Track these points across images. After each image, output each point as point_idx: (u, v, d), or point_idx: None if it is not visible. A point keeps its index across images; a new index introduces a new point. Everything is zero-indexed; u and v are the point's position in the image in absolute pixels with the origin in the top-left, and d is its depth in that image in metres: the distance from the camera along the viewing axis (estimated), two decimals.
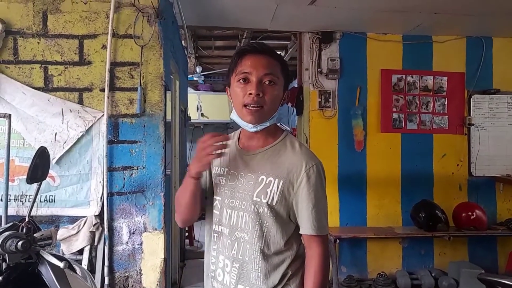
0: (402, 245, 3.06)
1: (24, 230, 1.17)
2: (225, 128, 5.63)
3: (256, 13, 2.67)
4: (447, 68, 3.09)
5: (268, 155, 1.00)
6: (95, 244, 1.95)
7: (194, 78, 4.97)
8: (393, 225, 3.01)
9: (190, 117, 4.10)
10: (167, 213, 2.12)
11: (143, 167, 2.00)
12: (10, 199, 1.90)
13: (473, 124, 3.10)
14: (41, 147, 1.32)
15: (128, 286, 1.99)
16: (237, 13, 2.67)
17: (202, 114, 5.34)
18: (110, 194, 1.98)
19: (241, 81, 0.96)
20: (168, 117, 2.40)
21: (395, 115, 3.05)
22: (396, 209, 3.06)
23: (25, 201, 1.95)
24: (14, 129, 1.92)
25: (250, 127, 0.97)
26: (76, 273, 1.30)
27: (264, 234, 0.97)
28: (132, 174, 2.00)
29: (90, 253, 1.93)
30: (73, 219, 1.96)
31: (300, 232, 0.99)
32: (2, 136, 1.93)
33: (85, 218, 1.94)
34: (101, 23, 2.00)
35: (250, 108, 0.95)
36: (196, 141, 5.51)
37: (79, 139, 1.97)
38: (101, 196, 1.96)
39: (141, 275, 1.99)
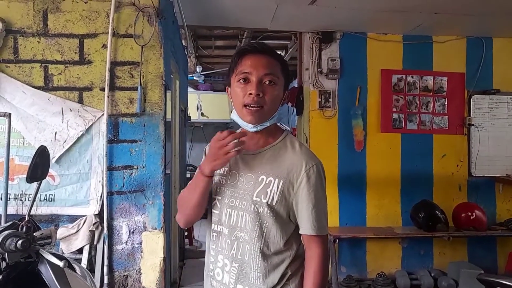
0: (402, 245, 3.06)
1: (24, 229, 1.17)
2: (225, 128, 5.63)
3: (256, 13, 2.67)
4: (447, 68, 3.09)
5: (268, 155, 1.00)
6: (95, 243, 1.95)
7: (194, 78, 4.97)
8: (392, 225, 3.01)
9: (190, 116, 4.10)
10: (166, 212, 2.12)
11: (143, 167, 2.01)
12: (9, 198, 1.90)
13: (473, 125, 3.10)
14: (41, 146, 1.32)
15: (128, 285, 1.99)
16: (237, 13, 2.67)
17: (202, 114, 5.34)
18: (110, 193, 1.98)
19: (241, 81, 0.96)
20: (168, 116, 2.40)
21: (395, 115, 3.05)
22: (395, 209, 3.06)
23: (25, 200, 1.95)
24: (14, 128, 1.93)
25: (250, 127, 0.97)
26: (76, 272, 1.30)
27: (264, 234, 0.97)
28: (132, 173, 2.00)
29: (90, 252, 1.93)
30: (72, 218, 1.96)
31: (300, 232, 0.99)
32: (2, 135, 1.93)
33: (84, 217, 1.94)
34: (102, 22, 2.00)
35: (250, 108, 0.95)
36: (196, 140, 5.49)
37: (79, 138, 1.97)
38: (101, 195, 1.96)
39: (140, 275, 1.99)
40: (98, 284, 1.90)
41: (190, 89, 4.96)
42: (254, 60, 0.95)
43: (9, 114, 1.81)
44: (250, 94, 0.94)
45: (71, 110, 1.97)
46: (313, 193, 0.95)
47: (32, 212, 1.65)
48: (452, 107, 3.09)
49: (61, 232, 1.89)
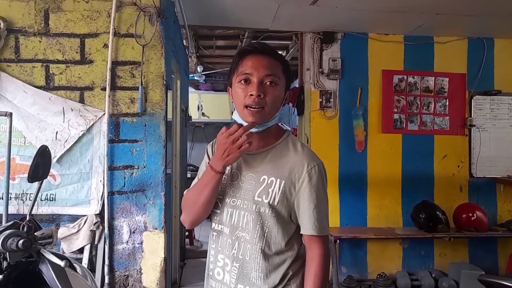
0: (402, 246, 3.06)
1: (25, 229, 1.17)
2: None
3: (257, 13, 2.67)
4: (449, 69, 3.08)
5: (270, 155, 0.99)
6: (96, 243, 1.95)
7: (195, 78, 4.97)
8: (393, 225, 3.01)
9: (191, 116, 4.10)
10: (167, 212, 2.12)
11: (144, 166, 2.01)
12: (11, 198, 1.90)
13: (474, 125, 3.10)
14: (43, 145, 1.32)
15: (128, 285, 1.99)
16: (239, 13, 2.67)
17: (203, 114, 5.34)
18: (111, 193, 1.98)
19: (242, 81, 0.96)
20: (169, 116, 2.41)
21: (396, 116, 3.05)
22: (396, 209, 3.05)
23: (26, 200, 1.95)
24: (15, 127, 1.93)
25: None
26: (77, 272, 1.30)
27: (265, 234, 0.97)
28: (132, 173, 2.00)
29: (91, 252, 1.94)
30: (73, 218, 1.96)
31: (301, 232, 0.99)
32: (3, 135, 1.93)
33: (85, 217, 1.94)
34: (103, 22, 2.01)
35: (251, 109, 0.94)
36: (197, 140, 5.48)
37: (80, 138, 1.97)
38: (102, 195, 1.96)
39: (141, 274, 1.99)
40: (98, 284, 1.90)
41: (191, 89, 4.96)
42: (255, 61, 0.95)
43: (10, 114, 1.82)
44: (251, 95, 0.94)
45: (72, 110, 1.97)
46: (314, 193, 0.95)
47: (33, 212, 1.66)
48: (453, 108, 3.09)
49: (62, 231, 1.90)
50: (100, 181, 1.97)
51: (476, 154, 3.11)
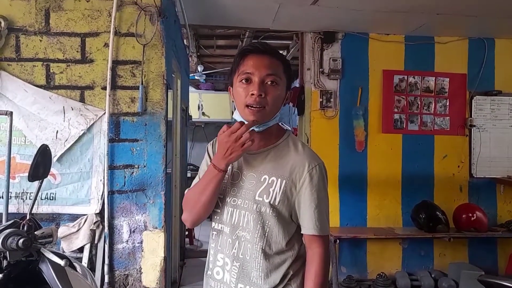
0: (402, 246, 3.06)
1: (25, 228, 1.17)
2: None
3: (258, 13, 2.67)
4: (449, 69, 3.08)
5: (270, 155, 1.00)
6: (96, 242, 1.95)
7: (196, 77, 4.97)
8: (393, 225, 3.01)
9: (191, 116, 4.10)
10: (167, 211, 2.12)
11: (144, 166, 2.01)
12: (11, 197, 1.90)
13: (474, 126, 3.10)
14: (43, 145, 1.32)
15: (128, 284, 1.99)
16: (239, 13, 2.67)
17: (203, 113, 5.34)
18: (111, 193, 1.98)
19: (243, 81, 0.96)
20: (170, 116, 2.41)
21: (396, 116, 3.05)
22: (396, 209, 3.05)
23: (26, 199, 1.95)
24: (16, 126, 1.93)
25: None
26: (77, 271, 1.30)
27: (266, 233, 0.97)
28: (133, 172, 2.00)
29: (91, 251, 1.94)
30: (73, 217, 1.96)
31: (302, 232, 0.99)
32: (3, 134, 1.93)
33: (85, 216, 1.95)
34: (103, 21, 2.00)
35: (252, 108, 0.94)
36: (197, 140, 5.48)
37: (80, 137, 1.97)
38: (102, 194, 1.96)
39: (141, 274, 1.99)
40: (98, 283, 1.90)
41: (191, 89, 4.96)
42: (256, 61, 0.95)
43: (11, 113, 1.82)
44: (252, 94, 0.94)
45: (72, 109, 1.97)
46: (315, 193, 0.95)
47: (33, 211, 1.65)
48: (454, 108, 3.09)
49: (62, 231, 1.90)
50: (100, 180, 1.97)
51: (476, 155, 3.11)
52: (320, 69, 3.00)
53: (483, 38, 3.08)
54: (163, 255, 2.00)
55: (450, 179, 3.09)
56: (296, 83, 3.33)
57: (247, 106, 0.95)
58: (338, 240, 2.73)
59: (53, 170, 1.90)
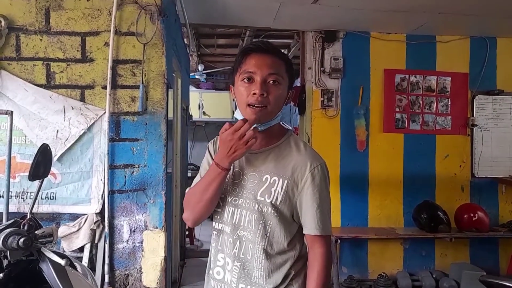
0: (404, 246, 3.05)
1: (26, 227, 1.17)
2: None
3: (259, 12, 2.66)
4: (451, 68, 3.07)
5: (272, 154, 0.99)
6: (96, 242, 1.94)
7: (196, 76, 4.96)
8: (394, 225, 3.00)
9: (191, 115, 4.10)
10: (168, 211, 2.12)
11: (145, 165, 2.00)
12: (11, 196, 1.90)
13: (476, 125, 3.08)
14: (44, 144, 1.32)
15: (128, 284, 1.99)
16: (240, 12, 2.66)
17: (204, 113, 5.34)
18: (111, 192, 1.98)
19: (245, 80, 0.95)
20: (170, 115, 2.40)
21: (398, 115, 3.04)
22: (397, 209, 3.05)
23: (26, 198, 1.95)
24: (16, 126, 1.92)
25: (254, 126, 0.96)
26: (77, 270, 1.29)
27: (268, 233, 0.96)
28: (133, 172, 2.00)
29: (91, 251, 1.93)
30: (74, 217, 1.96)
31: (304, 232, 0.98)
32: (4, 133, 1.92)
33: (86, 216, 1.94)
34: (104, 20, 2.00)
35: (254, 107, 0.94)
36: (197, 139, 5.47)
37: (80, 137, 1.97)
38: (102, 194, 1.96)
39: (141, 273, 1.99)
40: (99, 283, 1.90)
41: (191, 88, 4.96)
42: (258, 60, 0.95)
43: (11, 112, 1.81)
44: (254, 94, 0.93)
45: (73, 108, 1.97)
46: (317, 193, 0.95)
47: (34, 210, 1.65)
48: (455, 108, 3.08)
49: (62, 230, 1.89)
50: (101, 180, 1.96)
51: (478, 154, 3.10)
52: (321, 68, 2.99)
53: (485, 37, 3.07)
54: (163, 255, 1.99)
55: (451, 179, 3.08)
56: (297, 82, 3.32)
57: (249, 105, 0.94)
58: (339, 240, 2.72)
59: (53, 169, 1.90)
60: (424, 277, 2.86)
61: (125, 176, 2.00)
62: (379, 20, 2.79)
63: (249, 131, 0.89)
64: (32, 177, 1.27)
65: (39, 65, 1.99)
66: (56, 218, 1.97)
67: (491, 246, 3.08)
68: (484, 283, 1.66)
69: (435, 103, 3.07)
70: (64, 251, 1.88)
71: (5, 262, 1.11)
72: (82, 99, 2.00)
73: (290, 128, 1.10)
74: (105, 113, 1.97)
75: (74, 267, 1.28)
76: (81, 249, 1.92)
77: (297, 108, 3.27)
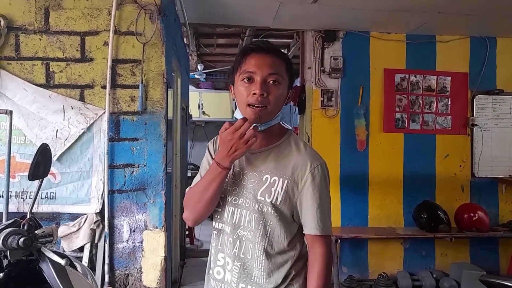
0: (404, 246, 3.05)
1: (26, 227, 1.17)
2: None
3: (258, 11, 2.66)
4: (451, 68, 3.07)
5: (272, 154, 0.99)
6: (96, 241, 1.94)
7: (196, 76, 4.96)
8: (394, 225, 3.00)
9: (191, 115, 4.10)
10: (168, 211, 2.12)
11: (144, 165, 2.00)
12: (11, 196, 1.89)
13: (476, 125, 3.08)
14: (43, 144, 1.31)
15: (129, 284, 1.99)
16: (240, 11, 2.66)
17: (204, 112, 5.33)
18: (111, 192, 1.98)
19: (245, 80, 0.95)
20: (170, 115, 2.40)
21: (398, 115, 3.04)
22: (398, 209, 3.04)
23: (26, 198, 1.95)
24: (16, 125, 1.92)
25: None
26: (77, 270, 1.29)
27: (268, 233, 0.96)
28: (133, 171, 2.00)
29: (91, 251, 1.93)
30: (73, 217, 1.95)
31: (304, 232, 0.98)
32: (3, 133, 1.92)
33: (85, 216, 1.94)
34: (103, 20, 2.00)
35: (254, 107, 0.94)
36: (197, 139, 5.46)
37: (80, 136, 1.97)
38: (102, 194, 1.96)
39: (141, 273, 1.99)
40: (99, 283, 1.90)
41: (191, 88, 4.95)
42: (258, 60, 0.94)
43: (11, 112, 1.81)
44: (254, 94, 0.93)
45: (72, 108, 1.96)
46: (318, 193, 0.95)
47: (33, 210, 1.64)
48: (455, 107, 3.08)
49: (62, 230, 1.89)
50: (100, 179, 1.96)
51: (478, 154, 3.09)
52: (321, 68, 2.99)
53: (484, 37, 3.06)
54: (163, 255, 1.99)
55: (451, 179, 3.07)
56: (297, 82, 3.32)
57: (249, 105, 0.94)
58: (339, 240, 2.72)
59: (53, 169, 1.90)
60: (424, 277, 2.86)
61: (125, 176, 1.99)
62: (379, 20, 2.79)
63: (249, 130, 0.89)
64: (32, 176, 1.26)
65: (38, 64, 1.98)
66: (56, 218, 1.97)
67: (491, 246, 3.08)
68: (484, 283, 1.66)
69: (435, 103, 3.07)
70: (64, 251, 1.88)
71: (5, 262, 1.11)
72: (82, 98, 1.99)
73: (290, 128, 1.09)
74: (104, 112, 1.97)
75: (74, 267, 1.28)
76: (81, 249, 1.92)
77: (297, 107, 3.27)
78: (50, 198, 1.96)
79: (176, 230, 2.85)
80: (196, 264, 3.34)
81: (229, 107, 5.27)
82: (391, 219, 3.02)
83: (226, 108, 5.27)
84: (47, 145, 1.32)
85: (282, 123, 1.06)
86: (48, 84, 1.99)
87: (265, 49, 0.96)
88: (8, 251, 1.09)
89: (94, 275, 1.73)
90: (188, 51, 3.71)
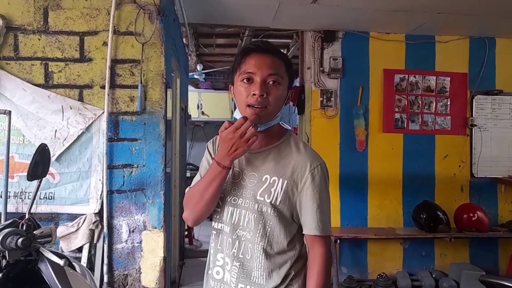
0: (403, 246, 3.05)
1: (24, 227, 1.17)
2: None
3: (258, 11, 2.66)
4: (450, 68, 3.07)
5: (272, 154, 0.99)
6: (95, 242, 1.94)
7: (195, 76, 4.96)
8: (394, 225, 3.00)
9: (190, 115, 4.09)
10: (167, 211, 2.11)
11: (143, 165, 2.00)
12: (9, 196, 1.89)
13: (475, 125, 3.09)
14: (42, 144, 1.31)
15: (127, 284, 1.98)
16: (239, 11, 2.66)
17: (203, 112, 5.33)
18: (110, 192, 1.97)
19: (245, 80, 0.95)
20: (169, 115, 2.39)
21: (397, 115, 3.04)
22: (397, 209, 3.04)
23: (25, 198, 1.94)
24: (14, 125, 1.92)
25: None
26: (76, 270, 1.29)
27: (267, 233, 0.96)
28: (132, 172, 1.99)
29: (90, 251, 1.93)
30: (72, 217, 1.95)
31: (304, 232, 0.98)
32: (2, 133, 1.92)
33: (84, 216, 1.93)
34: (102, 20, 1.99)
35: (253, 108, 0.93)
36: (196, 139, 5.44)
37: (79, 137, 1.96)
38: (101, 194, 1.95)
39: (140, 274, 1.98)
40: (98, 283, 1.89)
41: (190, 88, 4.95)
42: (258, 60, 0.94)
43: (9, 112, 1.81)
44: (254, 94, 0.93)
45: (71, 108, 1.96)
46: (317, 193, 0.95)
47: (32, 210, 1.64)
48: (455, 108, 3.08)
49: (61, 230, 1.89)
50: (99, 179, 1.96)
51: (477, 154, 3.10)
52: (321, 68, 2.99)
53: (484, 37, 3.07)
54: (162, 255, 1.99)
55: (451, 179, 3.08)
56: (296, 82, 3.32)
57: (249, 105, 0.94)
58: (338, 240, 2.72)
59: (51, 169, 1.89)
60: (424, 277, 2.86)
61: (124, 176, 1.99)
62: (379, 20, 2.79)
63: (250, 128, 0.89)
64: (31, 177, 1.26)
65: (37, 64, 1.98)
66: (54, 218, 1.96)
67: (490, 246, 3.08)
68: (483, 283, 1.66)
69: (434, 103, 3.07)
70: (62, 251, 1.87)
71: (4, 262, 1.11)
72: (81, 98, 1.99)
73: (289, 128, 1.09)
74: (103, 112, 1.97)
75: (73, 267, 1.28)
76: (79, 249, 1.91)
77: (296, 108, 3.27)
78: (48, 198, 1.95)
79: (175, 231, 2.85)
80: (195, 265, 3.33)
81: (228, 107, 5.27)
82: (391, 219, 3.02)
83: (225, 108, 5.27)
84: (46, 145, 1.32)
85: (281, 123, 1.06)
86: (47, 84, 1.98)
87: (265, 49, 0.96)
88: (6, 252, 1.09)
89: (93, 275, 1.73)
90: (187, 51, 3.71)
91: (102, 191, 1.95)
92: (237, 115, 0.98)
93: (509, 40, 3.11)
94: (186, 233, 3.84)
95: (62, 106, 1.96)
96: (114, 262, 1.97)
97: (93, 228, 1.92)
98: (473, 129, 3.10)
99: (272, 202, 0.95)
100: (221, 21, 2.94)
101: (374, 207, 3.03)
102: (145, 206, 2.00)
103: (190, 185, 1.07)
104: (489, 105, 3.13)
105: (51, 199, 1.95)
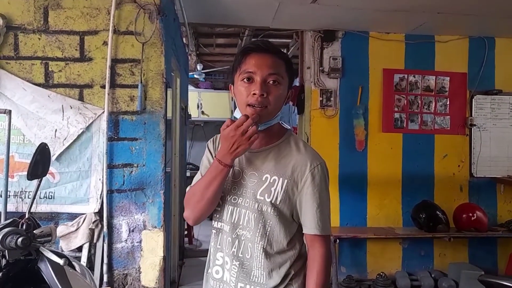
0: (402, 246, 3.05)
1: (24, 227, 1.17)
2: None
3: (258, 11, 2.66)
4: (450, 68, 3.08)
5: (272, 154, 0.99)
6: (94, 241, 1.94)
7: (195, 76, 4.96)
8: (393, 225, 3.01)
9: (190, 115, 4.09)
10: (166, 211, 2.11)
11: (143, 165, 2.00)
12: (9, 196, 1.89)
13: (474, 125, 3.09)
14: (42, 143, 1.31)
15: (127, 283, 1.98)
16: (239, 11, 2.66)
17: (203, 112, 5.33)
18: (110, 192, 1.97)
19: (245, 80, 0.95)
20: (169, 114, 2.40)
21: (396, 115, 3.04)
22: (396, 209, 3.05)
23: (25, 198, 1.94)
24: (14, 125, 1.92)
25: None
26: (76, 270, 1.29)
27: (267, 233, 0.96)
28: (132, 171, 2.00)
29: (89, 251, 1.93)
30: (72, 216, 1.95)
31: (304, 231, 0.98)
32: (2, 132, 1.92)
33: (84, 215, 1.94)
34: (102, 19, 1.99)
35: (254, 107, 0.94)
36: (196, 139, 5.44)
37: (79, 136, 1.96)
38: (101, 193, 1.95)
39: (140, 273, 1.98)
40: (97, 282, 1.90)
41: (190, 87, 4.95)
42: (258, 59, 0.94)
43: (9, 111, 1.81)
44: (254, 94, 0.93)
45: (71, 108, 1.96)
46: (317, 192, 0.95)
47: (32, 210, 1.64)
48: (454, 107, 3.08)
49: (60, 230, 1.89)
50: (99, 179, 1.96)
51: (476, 154, 3.10)
52: (320, 68, 2.99)
53: (483, 37, 3.07)
54: (162, 255, 1.99)
55: (450, 179, 3.08)
56: (296, 82, 3.32)
57: (249, 105, 0.94)
58: (338, 240, 2.72)
59: (52, 169, 1.89)
60: (423, 277, 2.87)
61: (124, 176, 1.99)
62: (378, 20, 2.79)
63: (252, 126, 0.89)
64: (31, 176, 1.26)
65: (37, 64, 1.98)
66: (54, 218, 1.97)
67: (489, 246, 3.09)
68: (482, 283, 1.66)
69: (433, 103, 3.07)
70: (62, 250, 1.88)
71: (4, 261, 1.11)
72: (81, 98, 1.99)
73: (289, 127, 1.10)
74: (103, 112, 1.97)
75: (73, 267, 1.28)
76: (79, 249, 1.92)
77: (296, 107, 3.27)
78: (48, 198, 1.95)
79: (175, 230, 2.85)
80: (195, 264, 3.33)
81: (228, 107, 5.27)
82: (390, 219, 3.03)
83: (225, 108, 5.27)
84: (46, 144, 1.32)
85: (281, 122, 1.06)
86: (47, 83, 1.98)
87: (265, 49, 0.96)
88: (6, 251, 1.09)
89: (93, 274, 1.73)
90: (187, 51, 3.71)
91: (102, 191, 1.95)
92: (237, 114, 0.98)
93: (508, 40, 3.12)
94: (186, 232, 3.85)
95: (62, 105, 1.96)
96: (114, 261, 1.98)
97: (93, 227, 1.92)
98: (473, 128, 3.10)
99: (272, 202, 0.95)
100: (221, 21, 2.94)
101: (373, 206, 3.03)
102: (145, 206, 2.00)
103: (190, 184, 1.07)
104: (488, 105, 3.13)
105: (51, 198, 1.95)
